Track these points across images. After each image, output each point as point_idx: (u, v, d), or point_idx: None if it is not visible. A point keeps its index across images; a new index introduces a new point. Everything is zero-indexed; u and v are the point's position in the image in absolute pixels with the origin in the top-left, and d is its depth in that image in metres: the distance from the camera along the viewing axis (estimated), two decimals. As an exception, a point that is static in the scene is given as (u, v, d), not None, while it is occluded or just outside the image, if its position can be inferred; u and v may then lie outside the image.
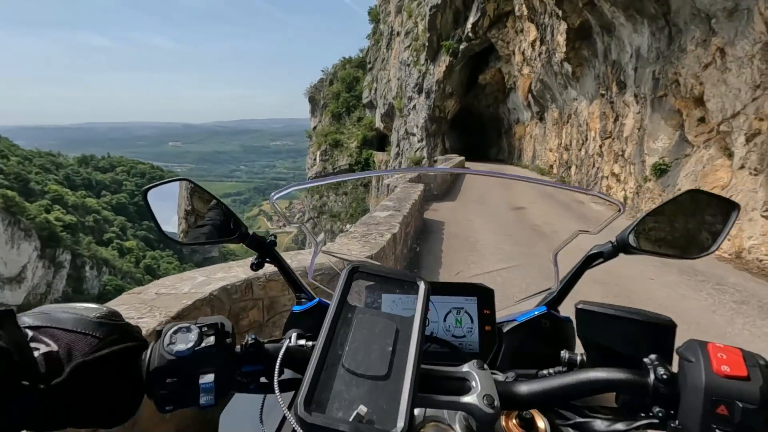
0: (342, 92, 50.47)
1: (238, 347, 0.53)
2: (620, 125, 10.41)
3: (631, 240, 0.74)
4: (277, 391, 0.46)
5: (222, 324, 0.52)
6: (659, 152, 7.92)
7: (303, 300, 0.89)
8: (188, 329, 0.50)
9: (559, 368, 0.65)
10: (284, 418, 0.62)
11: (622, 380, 0.48)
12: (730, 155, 6.34)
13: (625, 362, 0.50)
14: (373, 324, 0.48)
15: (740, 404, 0.40)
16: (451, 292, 0.87)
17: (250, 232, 0.83)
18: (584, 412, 0.54)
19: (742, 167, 6.02)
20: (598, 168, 12.54)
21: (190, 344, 0.48)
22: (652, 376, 0.46)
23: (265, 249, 0.85)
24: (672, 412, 0.45)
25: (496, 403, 0.46)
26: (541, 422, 0.58)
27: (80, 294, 44.22)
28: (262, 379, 0.54)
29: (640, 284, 4.95)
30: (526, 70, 20.55)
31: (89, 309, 0.49)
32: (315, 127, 54.24)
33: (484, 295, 0.87)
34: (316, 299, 0.88)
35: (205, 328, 0.50)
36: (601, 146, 12.18)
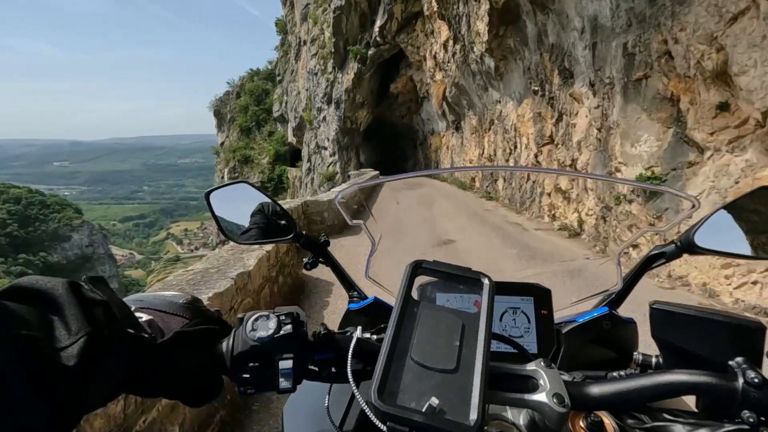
0: (251, 105, 47.77)
1: (309, 336, 0.53)
2: (566, 127, 8.02)
3: (697, 240, 0.72)
4: (350, 378, 0.46)
5: (297, 313, 0.52)
6: (644, 159, 5.39)
7: (356, 298, 0.89)
8: (267, 317, 0.51)
9: (631, 370, 0.62)
10: (348, 407, 0.64)
11: (707, 383, 0.45)
12: (779, 161, 3.90)
13: (706, 365, 0.47)
14: (438, 319, 0.48)
15: None
16: (507, 291, 0.84)
17: (303, 232, 0.86)
18: (661, 415, 0.52)
19: (814, 181, 3.58)
20: (534, 182, 10.18)
21: (270, 331, 0.50)
22: (740, 380, 0.44)
23: (318, 249, 0.88)
24: (763, 418, 0.43)
25: (567, 401, 0.45)
26: (610, 425, 0.56)
27: None
28: (332, 369, 0.54)
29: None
30: (439, 76, 18.41)
31: (176, 296, 0.53)
32: (222, 143, 50.28)
33: (541, 295, 0.84)
34: (372, 297, 0.86)
35: (283, 317, 0.51)
36: (537, 155, 9.84)
